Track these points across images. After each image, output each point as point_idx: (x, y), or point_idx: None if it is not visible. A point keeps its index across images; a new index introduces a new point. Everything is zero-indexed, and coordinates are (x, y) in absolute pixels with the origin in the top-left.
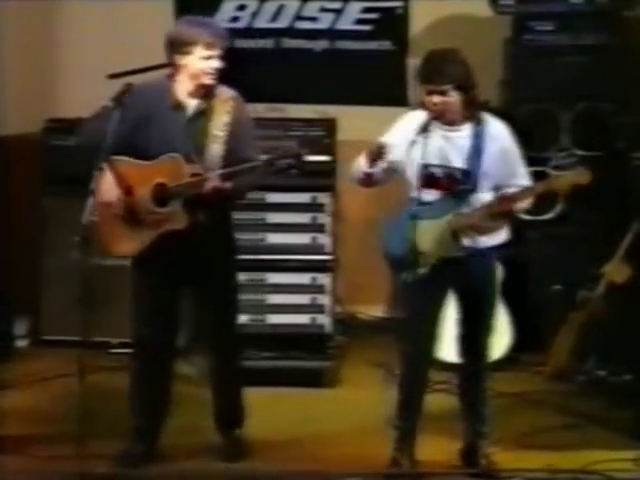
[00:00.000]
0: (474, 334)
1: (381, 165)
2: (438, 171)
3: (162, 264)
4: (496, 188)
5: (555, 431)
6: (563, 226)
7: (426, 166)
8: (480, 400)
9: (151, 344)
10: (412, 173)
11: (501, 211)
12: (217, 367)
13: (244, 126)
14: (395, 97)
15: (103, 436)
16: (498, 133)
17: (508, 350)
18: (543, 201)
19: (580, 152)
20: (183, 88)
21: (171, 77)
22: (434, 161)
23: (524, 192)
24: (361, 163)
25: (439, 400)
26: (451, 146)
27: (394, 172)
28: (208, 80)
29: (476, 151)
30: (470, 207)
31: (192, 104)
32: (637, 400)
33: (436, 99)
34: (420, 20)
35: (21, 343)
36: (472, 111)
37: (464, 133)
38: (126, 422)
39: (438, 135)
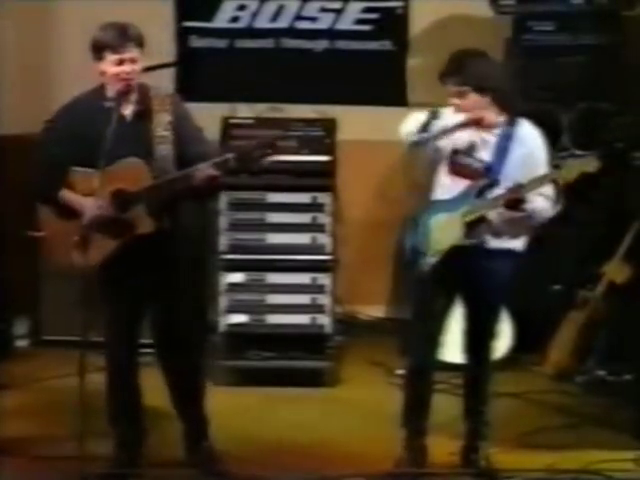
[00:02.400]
0: (479, 337)
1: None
2: (465, 160)
3: (125, 272)
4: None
5: (555, 431)
6: (563, 226)
7: (456, 153)
8: (482, 401)
9: (116, 355)
10: (445, 161)
11: (511, 200)
12: (173, 382)
13: (188, 121)
14: (395, 97)
15: (103, 436)
16: (527, 136)
17: (508, 350)
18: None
19: (580, 152)
20: (111, 94)
21: (101, 85)
22: (464, 149)
23: (533, 182)
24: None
25: (439, 400)
26: (480, 140)
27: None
28: (122, 85)
29: (502, 150)
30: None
31: (128, 110)
32: (637, 400)
33: (456, 101)
34: (420, 20)
35: (21, 343)
36: (506, 113)
37: (495, 132)
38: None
39: (473, 130)
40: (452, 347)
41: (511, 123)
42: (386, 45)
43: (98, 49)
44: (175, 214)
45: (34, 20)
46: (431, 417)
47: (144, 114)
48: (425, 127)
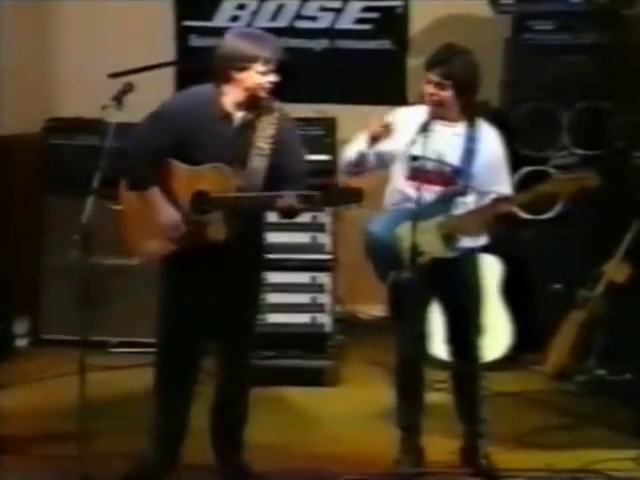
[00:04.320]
0: (463, 336)
1: (380, 147)
2: (429, 165)
3: (192, 271)
4: (478, 193)
5: (555, 430)
6: (563, 226)
7: (418, 158)
8: (473, 401)
9: (176, 351)
10: (404, 167)
11: (495, 215)
12: (225, 385)
13: (290, 139)
14: (395, 97)
15: (103, 436)
16: (490, 138)
17: (508, 350)
18: (544, 201)
19: (580, 152)
20: (232, 99)
21: (219, 87)
22: (428, 154)
23: (524, 195)
24: (355, 147)
25: (439, 400)
26: (445, 142)
27: (384, 163)
28: (263, 94)
29: (469, 152)
30: (459, 209)
31: (238, 115)
32: (637, 400)
33: (432, 90)
34: (420, 20)
35: (21, 343)
36: (467, 114)
37: (459, 131)
38: (125, 422)
39: (435, 130)
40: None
41: (472, 124)
42: (386, 44)
43: (245, 60)
44: (249, 228)
45: (34, 20)
46: (430, 417)
47: (250, 123)
48: (426, 127)
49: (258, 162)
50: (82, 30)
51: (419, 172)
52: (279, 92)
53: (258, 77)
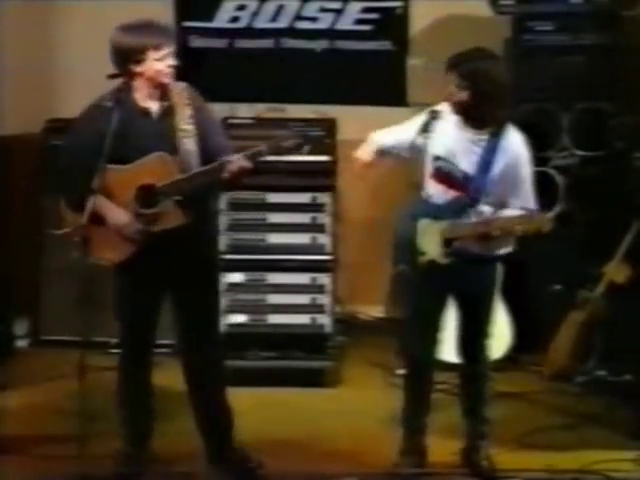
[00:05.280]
0: (472, 338)
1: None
2: (448, 166)
3: (146, 266)
4: (499, 204)
5: (555, 431)
6: (563, 226)
7: (437, 159)
8: (481, 401)
9: (134, 347)
10: (427, 165)
11: (483, 233)
12: (196, 378)
13: (206, 113)
14: (395, 97)
15: (103, 436)
16: (511, 145)
17: (508, 350)
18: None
19: (580, 152)
20: (142, 94)
21: (126, 85)
22: (448, 156)
23: (499, 220)
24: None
25: (439, 400)
26: (460, 147)
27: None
28: (166, 79)
29: (486, 163)
30: (467, 218)
31: (155, 107)
32: (637, 400)
33: (452, 89)
34: (420, 20)
35: (21, 343)
36: (493, 123)
37: (480, 138)
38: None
39: (460, 133)
40: (451, 347)
41: (497, 134)
42: (386, 45)
43: (136, 52)
44: (202, 210)
45: (35, 20)
46: (431, 417)
47: (168, 110)
48: (426, 127)
49: (188, 144)
50: (82, 31)
51: (440, 172)
52: (184, 78)
53: (156, 64)
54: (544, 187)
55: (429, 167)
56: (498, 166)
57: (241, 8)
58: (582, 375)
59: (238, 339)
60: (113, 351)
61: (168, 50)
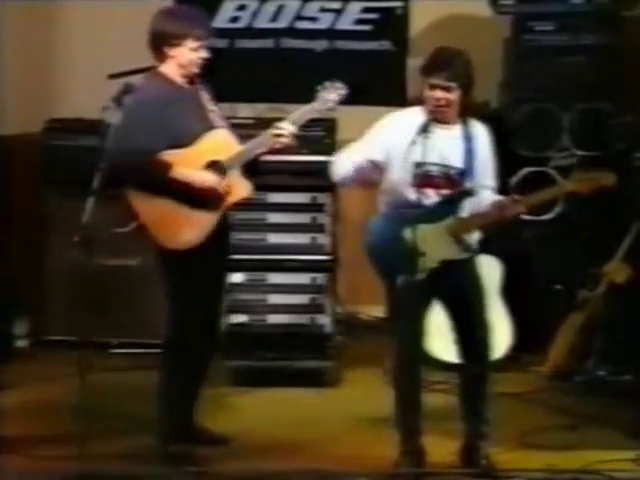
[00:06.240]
0: (472, 335)
1: (373, 155)
2: (435, 170)
3: (217, 250)
4: (480, 186)
5: (555, 431)
6: (563, 226)
7: (422, 164)
8: (482, 401)
9: (197, 336)
10: (405, 173)
11: (503, 217)
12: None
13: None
14: (395, 98)
15: (103, 436)
16: (482, 134)
17: (508, 350)
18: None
19: (580, 153)
20: (174, 74)
21: (157, 69)
22: (431, 159)
23: (539, 195)
24: (348, 160)
25: (439, 400)
26: (447, 145)
27: (378, 169)
28: (196, 70)
29: (470, 152)
30: (467, 210)
31: (186, 87)
32: (637, 400)
33: (440, 94)
34: (420, 20)
35: (21, 343)
36: (466, 113)
37: (457, 133)
38: (125, 422)
39: (435, 134)
40: (450, 346)
41: (466, 122)
42: (386, 45)
43: (176, 37)
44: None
45: (35, 20)
46: (430, 417)
47: (195, 91)
48: (425, 128)
49: (219, 122)
50: (83, 31)
51: (424, 178)
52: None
53: (190, 53)
54: (544, 187)
55: (405, 176)
56: (479, 153)
57: (241, 8)
58: (582, 375)
59: (238, 339)
60: (116, 351)
61: (204, 42)
